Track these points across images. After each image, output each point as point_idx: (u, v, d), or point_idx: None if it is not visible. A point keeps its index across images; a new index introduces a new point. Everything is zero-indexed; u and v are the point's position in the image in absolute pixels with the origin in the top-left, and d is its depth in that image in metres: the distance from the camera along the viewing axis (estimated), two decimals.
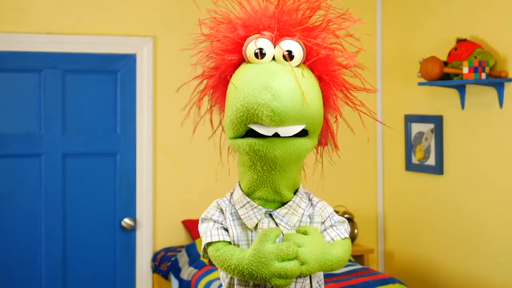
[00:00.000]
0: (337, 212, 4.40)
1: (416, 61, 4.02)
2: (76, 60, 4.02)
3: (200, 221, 1.75)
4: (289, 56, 1.59)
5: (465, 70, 3.57)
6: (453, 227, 3.97)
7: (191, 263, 3.77)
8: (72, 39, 4.00)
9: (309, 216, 1.71)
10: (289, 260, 1.53)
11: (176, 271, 3.84)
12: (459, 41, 3.72)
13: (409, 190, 4.35)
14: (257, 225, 1.66)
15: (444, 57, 3.86)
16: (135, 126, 4.13)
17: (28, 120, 3.95)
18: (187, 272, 3.75)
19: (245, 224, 1.67)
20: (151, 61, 4.13)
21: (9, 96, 3.93)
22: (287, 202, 1.68)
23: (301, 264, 1.55)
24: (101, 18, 4.06)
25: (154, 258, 4.12)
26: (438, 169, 4.04)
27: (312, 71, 1.65)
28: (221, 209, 1.72)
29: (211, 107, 1.79)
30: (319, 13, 1.66)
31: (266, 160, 1.60)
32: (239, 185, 1.72)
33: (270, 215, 1.67)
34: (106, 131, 4.10)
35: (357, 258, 4.36)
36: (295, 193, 1.70)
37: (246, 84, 1.56)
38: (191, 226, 4.14)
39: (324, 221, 1.73)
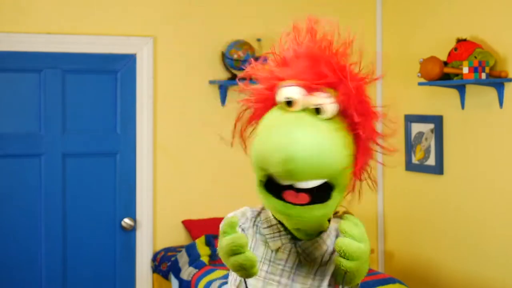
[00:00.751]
0: (337, 212, 4.39)
1: (416, 61, 4.02)
2: (76, 60, 4.02)
3: (224, 220, 1.69)
4: (320, 110, 1.52)
5: (465, 70, 3.57)
6: (453, 227, 3.97)
7: (191, 263, 3.77)
8: (72, 39, 4.00)
9: (333, 251, 1.67)
10: (241, 251, 1.52)
11: (176, 271, 3.83)
12: (459, 41, 3.72)
13: (409, 190, 4.35)
14: (278, 248, 1.65)
15: (444, 57, 3.86)
16: (135, 126, 4.12)
17: (28, 120, 3.95)
18: (187, 272, 3.74)
19: (267, 243, 1.66)
20: (151, 61, 4.13)
21: (9, 96, 3.93)
22: (318, 233, 1.66)
23: (354, 260, 1.53)
24: (101, 18, 4.06)
25: (154, 258, 4.12)
26: (438, 169, 4.04)
27: (345, 118, 1.58)
28: (247, 218, 1.70)
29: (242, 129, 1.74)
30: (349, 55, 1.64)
31: (291, 223, 1.59)
32: None
33: (294, 243, 1.65)
34: (106, 131, 4.10)
35: None
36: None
37: (261, 135, 1.53)
38: (191, 226, 4.14)
39: None
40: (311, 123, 1.51)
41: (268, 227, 1.66)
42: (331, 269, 1.67)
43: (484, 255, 3.76)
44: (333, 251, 1.66)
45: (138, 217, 4.14)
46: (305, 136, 1.48)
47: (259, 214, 1.70)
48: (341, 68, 1.57)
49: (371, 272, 3.65)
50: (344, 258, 1.53)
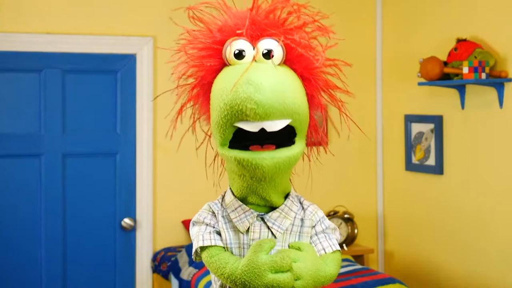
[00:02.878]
0: (337, 212, 4.40)
1: (416, 61, 4.02)
2: (76, 60, 4.02)
3: (191, 224, 1.75)
4: (269, 54, 1.58)
5: (465, 70, 3.57)
6: (453, 227, 3.97)
7: (191, 263, 3.77)
8: (72, 39, 4.00)
9: (301, 219, 1.71)
10: (282, 272, 1.53)
11: (176, 271, 3.84)
12: (459, 41, 3.72)
13: (409, 190, 4.35)
14: (249, 228, 1.66)
15: (444, 57, 3.86)
16: (135, 126, 4.13)
17: (28, 120, 3.95)
18: (187, 272, 3.75)
19: (237, 228, 1.66)
20: (151, 61, 4.13)
21: (9, 96, 3.93)
22: (279, 206, 1.68)
23: (295, 279, 1.56)
24: (101, 18, 4.06)
25: (154, 258, 4.12)
26: (438, 169, 4.04)
27: (294, 70, 1.64)
28: (213, 212, 1.71)
29: (196, 118, 1.77)
30: (293, 14, 1.65)
31: (255, 174, 1.58)
32: (230, 189, 1.72)
33: (262, 219, 1.67)
34: (106, 131, 4.10)
35: (357, 258, 4.36)
36: (286, 196, 1.70)
37: (227, 83, 1.55)
38: None
39: (315, 225, 1.73)
40: (268, 66, 1.57)
41: (233, 211, 1.68)
42: (307, 237, 1.71)
43: (484, 255, 3.76)
44: (303, 219, 1.70)
45: (138, 217, 4.14)
46: (269, 73, 1.54)
47: (221, 204, 1.72)
48: (281, 22, 1.63)
49: (371, 272, 3.65)
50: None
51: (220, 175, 1.86)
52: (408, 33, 4.31)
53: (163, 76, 4.17)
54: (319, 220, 1.73)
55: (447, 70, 3.76)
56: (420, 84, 3.96)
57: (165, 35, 4.17)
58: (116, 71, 4.11)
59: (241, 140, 1.57)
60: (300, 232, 1.70)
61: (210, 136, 1.79)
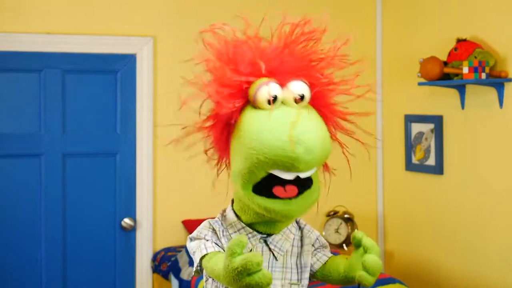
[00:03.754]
0: (337, 212, 4.41)
1: (416, 61, 4.02)
2: (76, 60, 4.02)
3: (189, 240, 1.74)
4: (301, 99, 1.58)
5: (465, 70, 3.57)
6: (453, 227, 3.97)
7: (191, 263, 3.77)
8: (72, 39, 4.00)
9: (299, 239, 1.76)
10: (256, 269, 1.46)
11: (176, 271, 3.84)
12: (459, 41, 3.72)
13: (409, 190, 4.35)
14: (251, 250, 1.67)
15: (444, 57, 3.86)
16: (135, 126, 4.12)
17: (28, 120, 3.95)
18: (187, 272, 3.75)
19: None
20: (151, 61, 4.13)
21: (9, 96, 3.93)
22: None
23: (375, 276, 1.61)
24: (101, 18, 4.06)
25: (154, 258, 4.12)
26: (438, 169, 4.04)
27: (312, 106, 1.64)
28: (214, 230, 1.71)
29: (207, 149, 1.76)
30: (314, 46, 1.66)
31: (281, 220, 1.63)
32: (234, 210, 1.72)
33: (265, 241, 1.69)
34: (106, 131, 4.10)
35: None
36: None
37: (269, 135, 1.52)
38: (191, 226, 4.14)
39: (314, 243, 1.79)
40: (304, 113, 1.57)
41: (235, 232, 1.70)
42: (308, 259, 1.75)
43: (484, 255, 3.76)
44: (301, 238, 1.75)
45: (138, 217, 4.14)
46: (313, 127, 1.54)
47: (221, 223, 1.73)
48: (304, 58, 1.63)
49: None
50: (369, 274, 1.60)
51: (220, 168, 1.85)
52: (408, 33, 4.31)
53: (163, 76, 4.17)
54: (317, 239, 1.81)
55: (447, 70, 3.76)
56: (420, 84, 3.96)
57: (165, 35, 4.17)
58: (116, 71, 4.11)
59: (264, 179, 1.57)
60: (299, 253, 1.75)
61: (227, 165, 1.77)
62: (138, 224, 4.14)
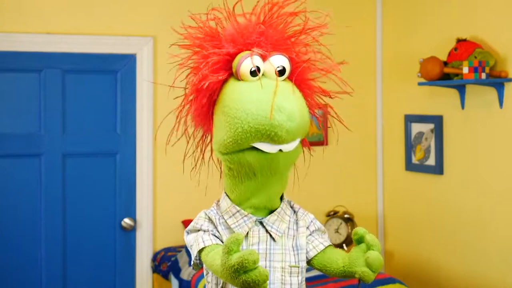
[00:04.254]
0: (337, 212, 4.40)
1: (416, 61, 4.02)
2: (76, 60, 4.02)
3: (185, 233, 1.76)
4: (281, 71, 1.63)
5: (465, 70, 3.57)
6: (453, 227, 3.97)
7: (191, 263, 3.77)
8: (72, 39, 4.00)
9: (295, 222, 1.77)
10: (252, 267, 1.46)
11: (176, 271, 3.84)
12: (459, 41, 3.73)
13: (409, 190, 4.35)
14: (248, 233, 1.68)
15: (444, 57, 3.86)
16: (135, 126, 4.13)
17: (28, 120, 3.95)
18: (187, 272, 3.75)
19: (234, 232, 1.66)
20: (151, 61, 4.13)
21: (9, 96, 3.93)
22: (275, 209, 1.73)
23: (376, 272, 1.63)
24: (101, 18, 4.06)
25: (154, 258, 4.12)
26: (438, 169, 4.04)
27: (290, 80, 1.68)
28: (210, 219, 1.73)
29: (195, 125, 1.80)
30: (298, 21, 1.70)
31: (270, 170, 1.63)
32: (227, 195, 1.74)
33: (261, 223, 1.70)
34: (106, 131, 4.10)
35: None
36: (281, 199, 1.75)
37: (252, 105, 1.57)
38: None
39: (308, 225, 1.80)
40: (287, 87, 1.62)
41: (230, 217, 1.71)
42: (303, 242, 1.76)
43: (484, 255, 3.76)
44: (296, 221, 1.77)
45: (138, 217, 4.14)
46: (291, 98, 1.59)
47: (217, 211, 1.75)
48: (287, 35, 1.68)
49: None
50: (371, 271, 1.63)
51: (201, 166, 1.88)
52: (408, 33, 4.32)
53: (163, 76, 4.16)
54: (311, 221, 1.81)
55: (447, 70, 3.76)
56: (420, 84, 3.96)
57: (165, 35, 4.17)
58: (116, 71, 4.11)
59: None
60: (295, 235, 1.76)
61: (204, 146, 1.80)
62: (138, 224, 4.14)
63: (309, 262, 1.80)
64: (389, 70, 4.51)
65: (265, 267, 1.69)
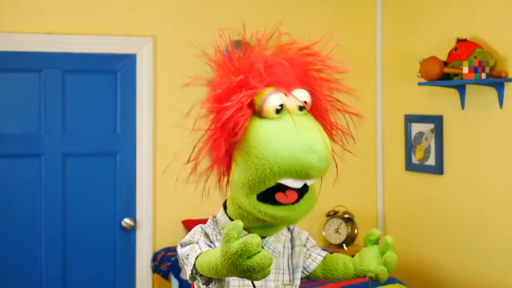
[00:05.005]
0: (337, 212, 4.41)
1: (416, 61, 4.02)
2: (76, 60, 4.02)
3: (179, 246, 1.72)
4: (304, 107, 1.61)
5: (465, 70, 3.57)
6: (453, 227, 3.97)
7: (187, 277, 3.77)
8: (72, 39, 4.00)
9: (290, 240, 1.79)
10: (255, 251, 1.43)
11: (176, 271, 3.84)
12: (459, 41, 3.73)
13: (409, 190, 4.35)
14: None
15: (444, 57, 3.86)
16: (135, 126, 4.12)
17: (28, 120, 3.95)
18: None
19: None
20: (151, 61, 4.13)
21: (9, 96, 3.93)
22: None
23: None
24: (101, 18, 4.06)
25: (154, 258, 4.12)
26: (438, 169, 4.04)
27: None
28: (206, 234, 1.72)
29: (214, 161, 1.74)
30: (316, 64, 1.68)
31: (284, 225, 1.67)
32: (226, 213, 1.74)
33: None
34: (106, 131, 4.10)
35: None
36: None
37: (281, 145, 1.54)
38: (191, 226, 4.14)
39: (305, 243, 1.84)
40: (309, 122, 1.60)
41: None
42: (300, 260, 1.78)
43: (484, 255, 3.76)
44: (291, 240, 1.79)
45: (138, 217, 4.14)
46: (320, 136, 1.58)
47: (213, 228, 1.75)
48: (304, 68, 1.66)
49: None
50: (389, 271, 1.68)
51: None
52: (408, 33, 4.31)
53: (163, 76, 4.17)
54: (307, 238, 1.85)
55: (447, 70, 3.76)
56: (420, 84, 3.96)
57: (165, 35, 4.17)
58: (116, 71, 4.11)
59: (271, 201, 1.61)
60: (290, 254, 1.78)
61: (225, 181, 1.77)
62: (138, 224, 4.14)
63: (311, 274, 1.84)
64: (389, 70, 4.51)
65: (260, 286, 1.70)
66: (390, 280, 3.53)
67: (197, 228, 1.75)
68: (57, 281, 4.02)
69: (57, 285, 4.02)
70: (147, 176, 4.14)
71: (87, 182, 4.06)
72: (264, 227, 1.69)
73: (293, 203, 1.59)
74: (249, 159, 1.58)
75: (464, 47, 3.67)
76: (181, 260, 1.72)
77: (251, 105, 1.60)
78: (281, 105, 1.58)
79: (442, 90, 4.00)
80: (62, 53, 3.99)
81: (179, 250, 1.71)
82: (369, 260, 1.71)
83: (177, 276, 3.81)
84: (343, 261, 1.80)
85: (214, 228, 1.74)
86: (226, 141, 1.62)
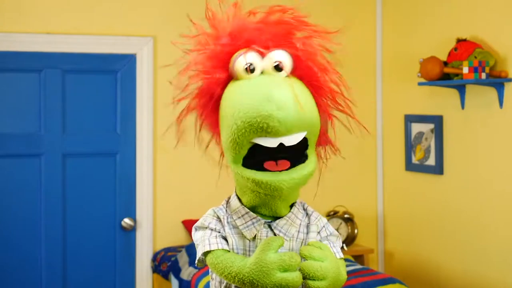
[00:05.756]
0: (337, 212, 4.40)
1: (416, 61, 4.02)
2: (76, 60, 4.02)
3: (194, 229, 1.73)
4: (279, 66, 1.58)
5: (465, 70, 3.57)
6: (453, 227, 3.97)
7: (191, 263, 3.77)
8: (72, 39, 4.00)
9: (306, 226, 1.72)
10: (291, 271, 1.50)
11: (176, 271, 3.84)
12: (459, 41, 3.73)
13: (409, 190, 4.35)
14: (255, 235, 1.66)
15: (444, 57, 3.86)
16: (135, 126, 4.13)
17: (28, 120, 3.95)
18: (187, 272, 3.75)
19: (242, 234, 1.66)
20: (151, 61, 4.13)
21: (9, 96, 3.93)
22: (285, 215, 1.69)
23: (321, 280, 1.55)
24: (101, 18, 4.06)
25: (154, 258, 4.12)
26: (438, 169, 4.04)
27: (300, 79, 1.63)
28: (218, 217, 1.70)
29: (200, 127, 1.74)
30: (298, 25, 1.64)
31: (272, 193, 1.59)
32: (237, 195, 1.71)
33: (269, 226, 1.67)
34: (106, 131, 4.10)
35: (357, 258, 4.36)
36: (291, 205, 1.71)
37: (243, 99, 1.52)
38: (191, 226, 4.13)
39: (320, 231, 1.74)
40: (282, 79, 1.56)
41: (239, 217, 1.68)
42: None
43: (484, 255, 3.76)
44: (307, 225, 1.71)
45: (138, 217, 4.14)
46: (285, 87, 1.53)
47: (226, 210, 1.72)
48: (286, 32, 1.62)
49: (371, 272, 3.65)
50: (310, 279, 1.55)
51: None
52: (408, 33, 4.31)
53: (163, 76, 4.17)
54: (324, 226, 1.75)
55: (447, 70, 3.76)
56: (420, 84, 3.96)
57: (165, 35, 4.17)
58: (116, 71, 4.11)
59: (254, 155, 1.56)
60: (305, 239, 1.71)
61: (221, 150, 1.75)
62: (138, 224, 4.14)
63: None
64: (389, 70, 4.51)
65: None
66: (390, 280, 3.53)
67: (210, 211, 1.74)
68: (57, 281, 4.02)
69: (57, 285, 4.02)
70: (147, 176, 4.14)
71: (87, 182, 4.06)
72: (265, 205, 1.65)
73: (281, 171, 1.56)
74: (223, 120, 1.59)
75: (464, 47, 3.67)
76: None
77: (226, 69, 1.60)
78: (252, 65, 1.57)
79: (442, 90, 4.00)
80: (62, 53, 3.99)
81: (193, 233, 1.73)
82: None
83: (177, 276, 3.81)
84: None
85: (226, 210, 1.72)
86: (211, 108, 1.64)
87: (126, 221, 4.11)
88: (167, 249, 4.11)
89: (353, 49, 4.39)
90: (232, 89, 1.59)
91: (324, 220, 1.76)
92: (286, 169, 1.56)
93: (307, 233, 1.71)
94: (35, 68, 3.96)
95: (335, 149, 1.76)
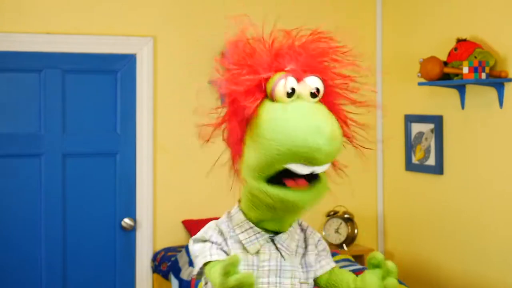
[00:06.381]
0: (337, 212, 4.41)
1: (416, 61, 4.02)
2: (76, 60, 4.02)
3: (191, 241, 1.75)
4: (315, 93, 1.62)
5: (465, 70, 3.57)
6: (453, 227, 3.97)
7: (191, 263, 3.77)
8: (72, 39, 4.00)
9: (303, 240, 1.80)
10: None
11: (176, 271, 3.84)
12: (459, 41, 3.73)
13: (409, 190, 4.35)
14: (259, 250, 1.69)
15: (444, 57, 3.86)
16: (135, 126, 4.12)
17: (28, 120, 3.95)
18: (187, 272, 3.75)
19: (245, 249, 1.68)
20: (151, 61, 4.13)
21: (9, 96, 3.93)
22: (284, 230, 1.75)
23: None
24: (101, 18, 4.06)
25: (154, 258, 4.12)
26: (438, 169, 4.04)
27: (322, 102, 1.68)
28: (221, 231, 1.72)
29: (222, 137, 1.76)
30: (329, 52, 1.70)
31: (293, 210, 1.64)
32: (241, 209, 1.74)
33: (272, 240, 1.71)
34: (106, 131, 4.10)
35: (357, 258, 4.36)
36: None
37: (289, 127, 1.54)
38: (191, 226, 4.14)
39: (316, 244, 1.83)
40: (322, 109, 1.62)
41: (242, 232, 1.71)
42: (312, 260, 1.79)
43: (484, 255, 3.76)
44: (304, 240, 1.79)
45: (138, 217, 4.14)
46: (329, 120, 1.58)
47: (227, 224, 1.74)
48: (317, 57, 1.67)
49: None
50: None
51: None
52: (408, 33, 4.31)
53: (163, 76, 4.17)
54: (319, 240, 1.84)
55: (447, 70, 3.76)
56: (420, 84, 3.96)
57: (165, 35, 4.17)
58: (116, 71, 4.11)
59: (277, 174, 1.60)
60: (304, 253, 1.78)
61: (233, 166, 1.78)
62: (138, 224, 4.14)
63: (315, 280, 1.83)
64: (389, 70, 4.51)
65: (275, 283, 1.70)
66: None
67: (211, 224, 1.75)
68: (57, 281, 4.02)
69: (57, 285, 4.02)
70: (147, 176, 4.14)
71: (87, 182, 4.06)
72: (275, 220, 1.69)
73: (302, 190, 1.61)
74: (258, 140, 1.59)
75: (464, 47, 3.67)
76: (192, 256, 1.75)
77: (262, 90, 1.62)
78: (293, 89, 1.59)
79: (442, 90, 4.00)
80: (62, 53, 3.99)
81: (190, 246, 1.74)
82: (370, 284, 1.69)
83: (177, 276, 3.81)
84: (346, 281, 1.78)
85: (228, 225, 1.74)
86: (239, 124, 1.65)
87: (126, 221, 4.11)
88: (167, 249, 4.11)
89: (353, 49, 4.39)
90: (272, 112, 1.60)
91: (318, 234, 1.86)
92: (305, 187, 1.62)
93: (306, 246, 1.79)
94: (35, 68, 3.96)
95: (362, 151, 1.89)
